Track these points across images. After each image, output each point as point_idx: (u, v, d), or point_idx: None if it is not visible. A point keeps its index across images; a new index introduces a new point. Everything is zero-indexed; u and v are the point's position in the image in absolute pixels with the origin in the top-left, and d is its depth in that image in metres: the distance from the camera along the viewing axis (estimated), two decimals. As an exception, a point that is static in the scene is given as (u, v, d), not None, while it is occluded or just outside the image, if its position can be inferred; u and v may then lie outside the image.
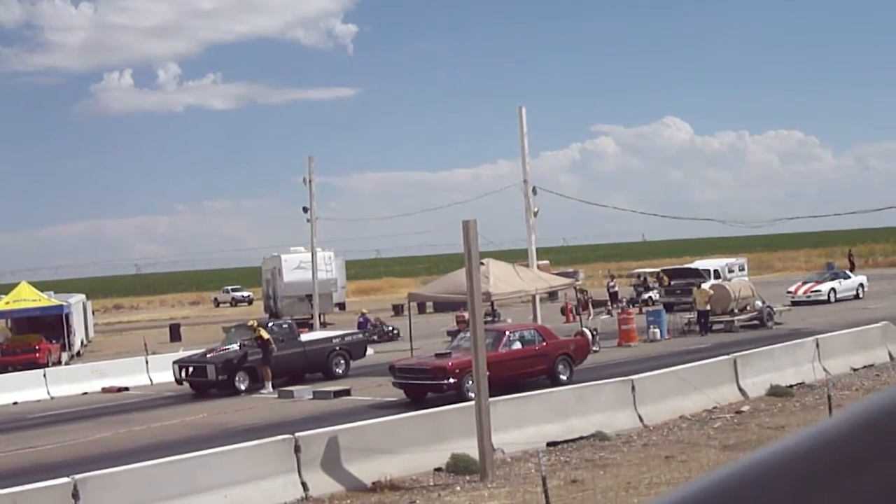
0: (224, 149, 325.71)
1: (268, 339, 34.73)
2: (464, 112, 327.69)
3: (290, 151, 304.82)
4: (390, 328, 52.82)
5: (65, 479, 15.86)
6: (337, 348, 37.40)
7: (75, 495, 15.57)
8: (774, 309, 45.58)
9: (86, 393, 38.15)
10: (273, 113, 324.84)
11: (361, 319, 54.27)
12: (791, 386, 26.57)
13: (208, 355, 35.37)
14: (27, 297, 51.08)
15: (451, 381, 28.13)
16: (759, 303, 45.41)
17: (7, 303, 51.19)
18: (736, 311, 44.36)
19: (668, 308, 49.59)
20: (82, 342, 58.59)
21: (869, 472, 0.96)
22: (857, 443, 0.99)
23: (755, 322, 44.22)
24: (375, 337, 49.59)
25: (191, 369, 35.31)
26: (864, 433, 1.00)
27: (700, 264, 59.00)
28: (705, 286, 45.61)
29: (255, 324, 36.17)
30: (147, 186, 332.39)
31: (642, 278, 66.76)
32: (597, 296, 61.03)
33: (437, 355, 30.27)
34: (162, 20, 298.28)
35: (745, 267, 59.97)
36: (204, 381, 34.75)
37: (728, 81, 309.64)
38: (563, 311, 54.02)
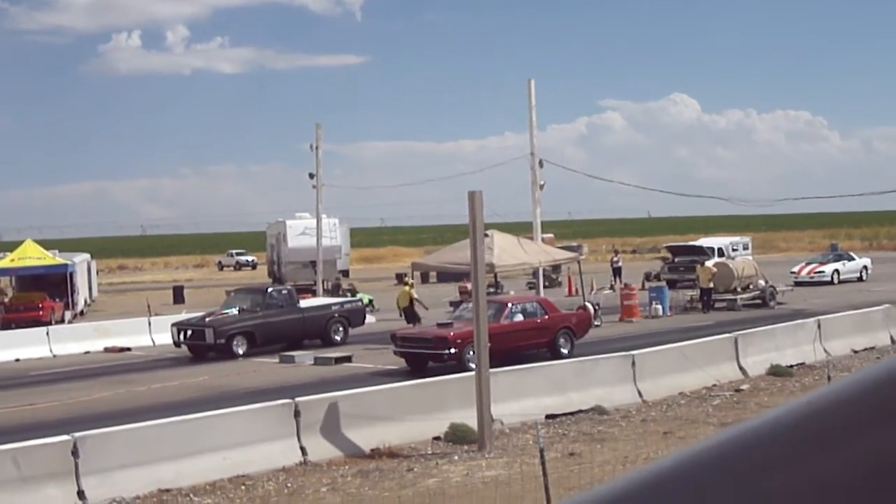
0: (231, 113, 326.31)
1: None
2: (472, 83, 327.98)
3: (296, 117, 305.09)
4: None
5: (64, 437, 15.96)
6: (336, 315, 37.48)
7: (75, 453, 15.66)
8: (777, 289, 45.64)
9: (88, 352, 38.25)
10: (280, 78, 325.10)
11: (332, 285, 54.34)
12: (791, 366, 26.63)
13: (207, 319, 35.45)
14: (32, 255, 51.15)
15: (452, 351, 28.20)
16: (762, 282, 45.46)
17: (12, 260, 51.28)
18: (739, 289, 44.39)
19: (671, 285, 49.66)
20: (86, 301, 58.70)
21: (872, 436, 0.99)
22: (860, 407, 1.01)
23: (758, 301, 44.27)
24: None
25: (189, 332, 35.38)
26: (868, 398, 1.02)
27: (704, 242, 58.96)
28: (709, 264, 45.59)
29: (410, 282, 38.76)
30: (153, 149, 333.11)
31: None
32: (601, 271, 61.07)
33: (439, 325, 30.34)
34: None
35: (750, 246, 59.92)
36: (202, 344, 34.83)
37: (736, 60, 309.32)
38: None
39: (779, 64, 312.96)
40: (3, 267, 51.87)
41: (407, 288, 38.69)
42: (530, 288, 57.12)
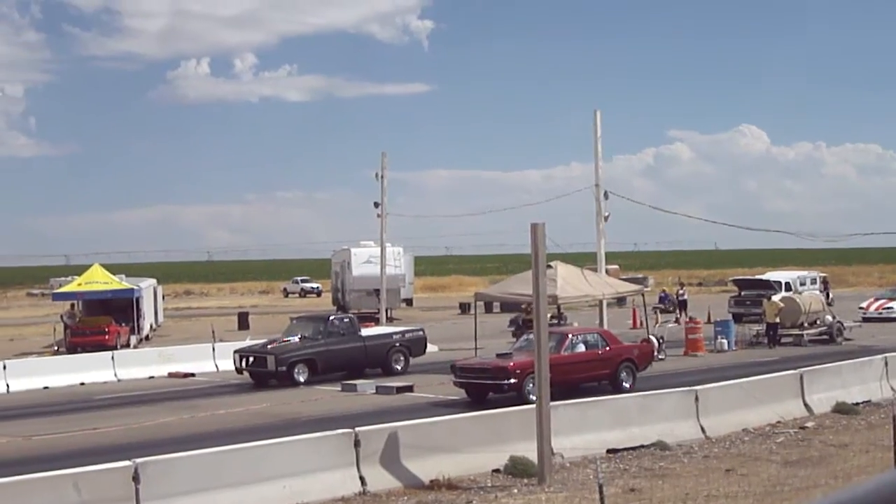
0: (298, 140, 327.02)
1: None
2: (538, 113, 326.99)
3: (362, 145, 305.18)
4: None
5: (126, 463, 16.03)
6: (397, 344, 37.48)
7: (136, 479, 15.71)
8: (845, 324, 45.08)
9: (152, 377, 38.55)
10: (347, 106, 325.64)
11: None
12: (857, 403, 26.23)
13: (269, 346, 35.58)
14: (99, 280, 51.64)
15: (512, 381, 28.11)
16: (829, 317, 44.94)
17: (79, 284, 51.83)
18: (805, 324, 43.91)
19: (737, 319, 49.22)
20: (151, 326, 59.17)
21: None
22: None
23: (825, 337, 43.75)
24: None
25: (251, 359, 35.55)
26: None
27: (771, 276, 58.38)
28: (776, 298, 45.16)
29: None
30: (221, 175, 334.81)
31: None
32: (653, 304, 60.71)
33: (499, 355, 30.26)
34: (240, 10, 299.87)
35: (818, 280, 59.24)
36: (263, 371, 34.98)
37: (806, 92, 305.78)
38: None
39: (849, 96, 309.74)
40: (70, 291, 52.44)
41: None
42: (661, 312, 56.95)
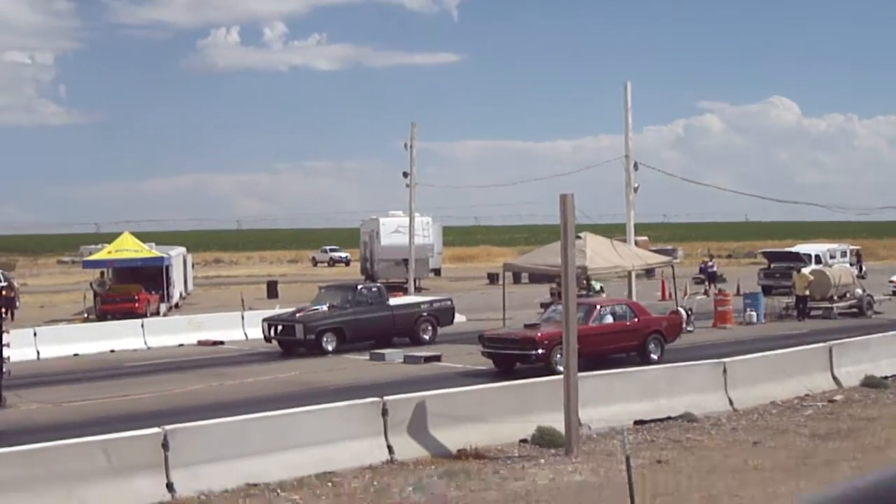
0: (327, 110, 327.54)
1: None
2: (568, 84, 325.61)
3: (391, 115, 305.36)
4: None
5: (155, 429, 16.13)
6: (425, 314, 37.54)
7: (165, 445, 15.82)
8: (875, 298, 44.86)
9: (182, 345, 38.77)
10: (376, 76, 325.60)
11: None
12: (886, 377, 26.08)
13: (297, 314, 35.70)
14: (129, 248, 51.88)
15: (540, 352, 28.11)
16: (859, 291, 44.71)
17: (109, 252, 52.08)
18: (835, 297, 43.70)
19: (767, 291, 49.07)
20: (181, 294, 59.44)
21: None
22: None
23: (854, 310, 43.56)
24: None
25: (279, 328, 35.68)
26: None
27: (801, 248, 58.12)
28: (805, 271, 44.96)
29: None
30: (250, 144, 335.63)
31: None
32: (693, 275, 60.57)
33: (527, 326, 30.26)
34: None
35: (848, 253, 58.92)
36: (292, 339, 35.11)
37: (838, 63, 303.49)
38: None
39: (881, 68, 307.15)
40: (100, 259, 52.73)
41: None
42: (697, 283, 56.71)
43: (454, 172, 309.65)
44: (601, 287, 44.30)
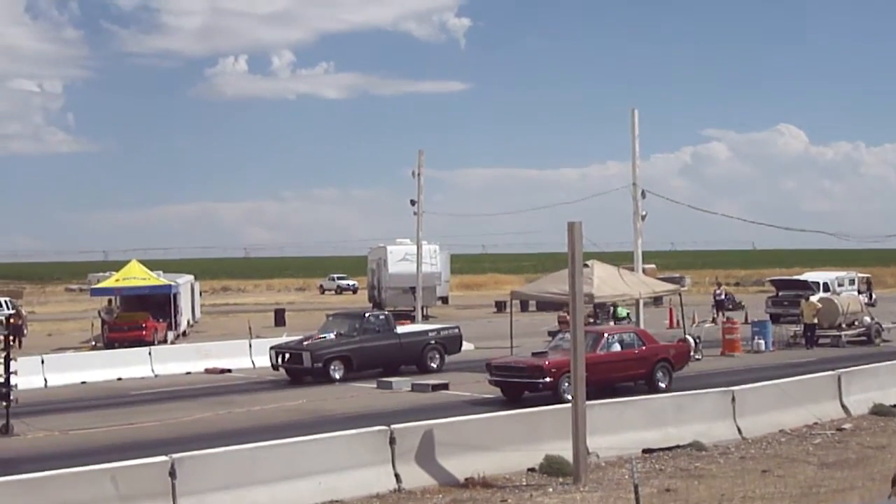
0: (334, 138, 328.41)
1: None
2: (574, 111, 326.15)
3: (399, 143, 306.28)
4: None
5: (163, 458, 16.10)
6: (432, 342, 37.48)
7: (172, 474, 15.79)
8: (883, 326, 44.78)
9: (189, 372, 38.71)
10: (383, 104, 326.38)
11: None
12: (895, 405, 26.01)
13: (305, 343, 35.68)
14: (137, 276, 51.87)
15: (547, 380, 28.08)
16: (867, 319, 44.63)
17: (117, 280, 52.08)
18: (843, 325, 43.63)
19: (775, 319, 49.00)
20: (189, 322, 59.40)
21: None
22: None
23: (863, 338, 43.48)
24: None
25: (287, 356, 35.64)
26: None
27: (809, 276, 58.02)
28: (813, 299, 44.90)
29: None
30: (257, 172, 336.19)
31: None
32: (704, 303, 60.43)
33: (534, 354, 30.24)
34: (277, 7, 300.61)
35: (857, 281, 58.79)
36: (299, 367, 35.07)
37: (845, 92, 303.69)
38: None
39: (889, 96, 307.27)
40: (108, 287, 52.71)
41: None
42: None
43: (461, 200, 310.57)
44: (627, 314, 44.20)
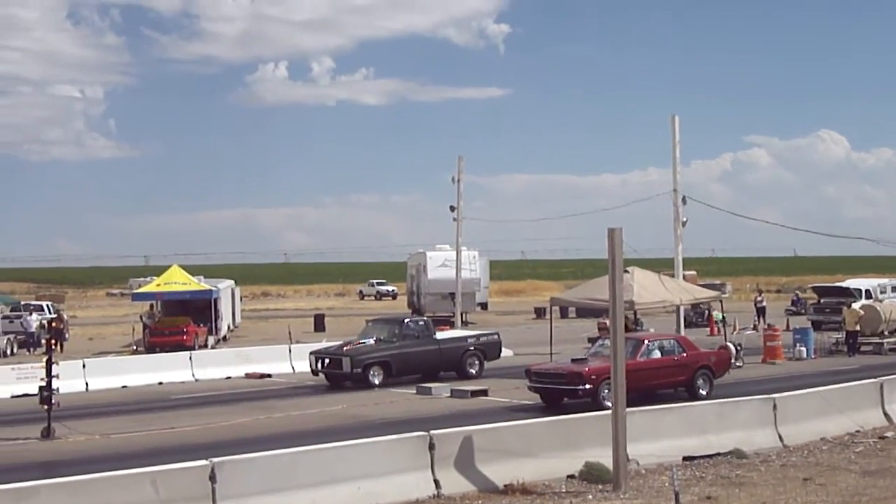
0: (374, 144, 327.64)
1: None
2: (615, 117, 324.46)
3: (438, 149, 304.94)
4: None
5: (203, 462, 16.16)
6: (472, 348, 37.43)
7: (212, 478, 15.84)
8: (927, 333, 44.35)
9: (229, 377, 38.90)
10: (423, 110, 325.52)
11: None
12: (939, 414, 25.74)
13: (345, 348, 35.74)
14: (178, 281, 52.19)
15: (587, 387, 27.99)
16: (910, 326, 44.22)
17: (158, 285, 52.44)
18: (886, 333, 43.26)
19: (817, 326, 48.69)
20: (229, 327, 59.69)
21: None
22: None
23: (905, 346, 43.10)
24: None
25: (326, 361, 35.73)
26: None
27: (851, 283, 57.61)
28: (856, 306, 44.57)
29: None
30: (297, 178, 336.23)
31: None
32: (745, 310, 60.10)
33: (574, 360, 30.15)
34: (316, 14, 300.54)
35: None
36: (339, 373, 35.14)
37: (887, 97, 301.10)
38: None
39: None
40: (149, 291, 53.07)
41: None
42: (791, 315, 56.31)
43: (501, 206, 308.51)
44: (723, 317, 44.17)
